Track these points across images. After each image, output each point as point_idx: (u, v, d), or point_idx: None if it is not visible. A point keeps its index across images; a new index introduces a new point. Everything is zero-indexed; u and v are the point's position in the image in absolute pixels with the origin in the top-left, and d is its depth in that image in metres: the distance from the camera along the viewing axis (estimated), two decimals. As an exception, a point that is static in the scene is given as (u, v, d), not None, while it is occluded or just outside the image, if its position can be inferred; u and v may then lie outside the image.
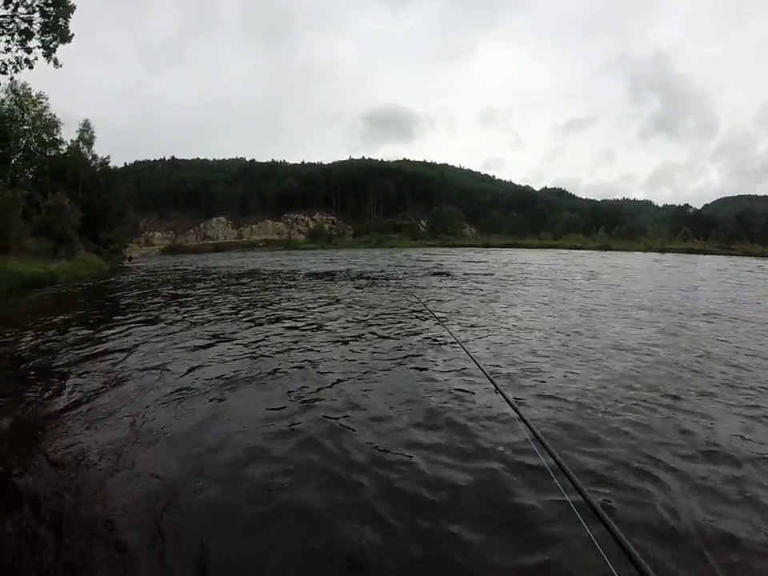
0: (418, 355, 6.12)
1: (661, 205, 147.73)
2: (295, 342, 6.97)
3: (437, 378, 5.20)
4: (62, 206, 28.18)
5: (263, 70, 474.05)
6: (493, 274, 18.37)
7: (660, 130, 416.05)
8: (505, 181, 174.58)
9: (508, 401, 2.51)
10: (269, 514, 2.73)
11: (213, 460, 3.37)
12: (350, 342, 6.93)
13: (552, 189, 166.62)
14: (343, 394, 4.70)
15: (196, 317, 9.62)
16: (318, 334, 7.55)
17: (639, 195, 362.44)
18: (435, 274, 19.09)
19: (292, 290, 14.56)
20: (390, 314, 9.39)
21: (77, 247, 29.28)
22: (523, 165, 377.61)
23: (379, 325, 8.21)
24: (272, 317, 9.30)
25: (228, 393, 4.78)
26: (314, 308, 10.36)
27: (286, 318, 9.04)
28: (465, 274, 18.40)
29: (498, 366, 5.53)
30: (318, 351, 6.39)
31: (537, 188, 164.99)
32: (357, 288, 14.49)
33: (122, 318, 9.88)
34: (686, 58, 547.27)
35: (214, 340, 7.28)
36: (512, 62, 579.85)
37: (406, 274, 19.22)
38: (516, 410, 2.35)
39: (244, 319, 9.09)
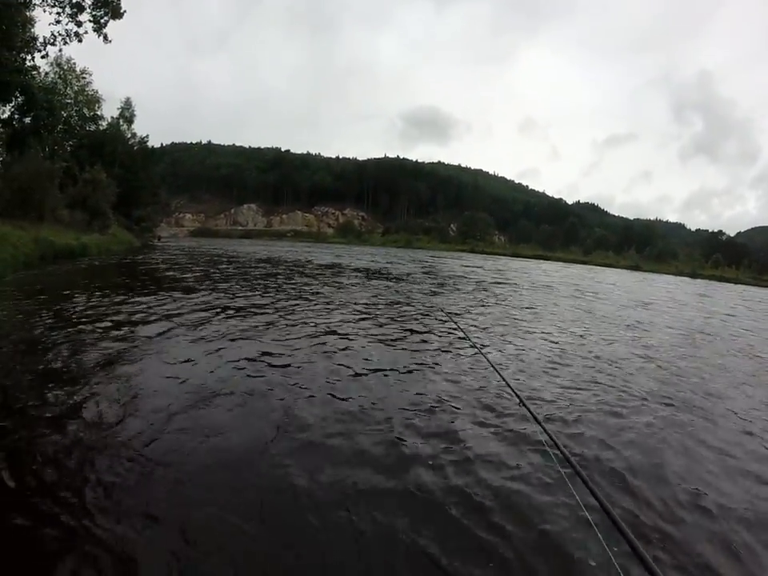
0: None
1: (693, 229, 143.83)
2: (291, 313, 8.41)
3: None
4: (99, 180, 28.59)
5: (305, 61, 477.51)
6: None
7: (700, 152, 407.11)
8: (538, 191, 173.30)
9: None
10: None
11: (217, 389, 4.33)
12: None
13: (585, 203, 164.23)
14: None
15: (216, 292, 10.67)
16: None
17: (673, 218, 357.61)
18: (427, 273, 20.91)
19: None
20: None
21: (110, 221, 29.69)
22: (558, 177, 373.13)
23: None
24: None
25: (227, 342, 6.05)
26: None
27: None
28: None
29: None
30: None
31: (570, 201, 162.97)
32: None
33: (152, 288, 10.79)
34: (731, 81, 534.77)
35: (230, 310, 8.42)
36: (555, 72, 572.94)
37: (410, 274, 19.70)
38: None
39: (253, 294, 10.76)
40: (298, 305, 9.27)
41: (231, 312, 8.05)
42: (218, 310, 8.14)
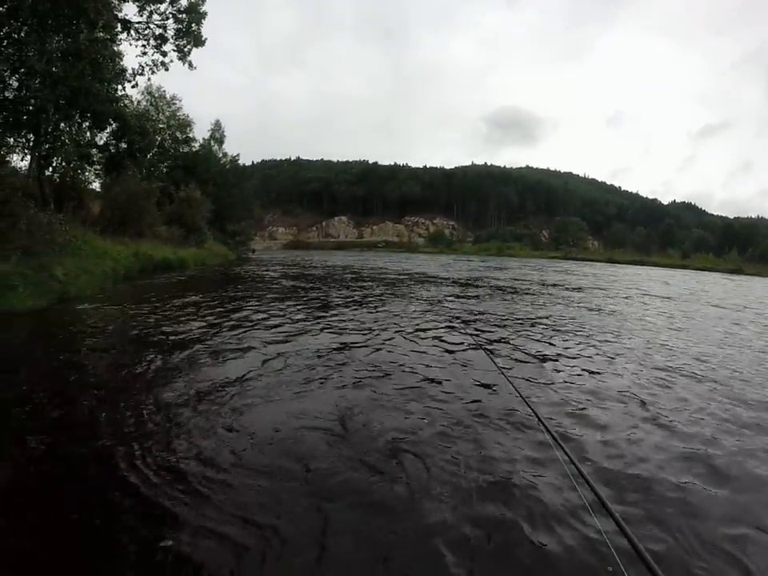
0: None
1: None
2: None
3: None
4: (194, 198, 30.32)
5: (380, 70, 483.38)
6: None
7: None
8: (631, 192, 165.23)
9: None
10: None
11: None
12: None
13: (681, 203, 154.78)
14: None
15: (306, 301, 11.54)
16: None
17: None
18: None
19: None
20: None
21: (205, 236, 31.51)
22: (652, 175, 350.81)
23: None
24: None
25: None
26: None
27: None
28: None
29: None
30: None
31: (665, 201, 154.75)
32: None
33: (247, 296, 12.13)
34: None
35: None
36: (639, 60, 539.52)
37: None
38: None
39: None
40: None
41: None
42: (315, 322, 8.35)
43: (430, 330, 7.93)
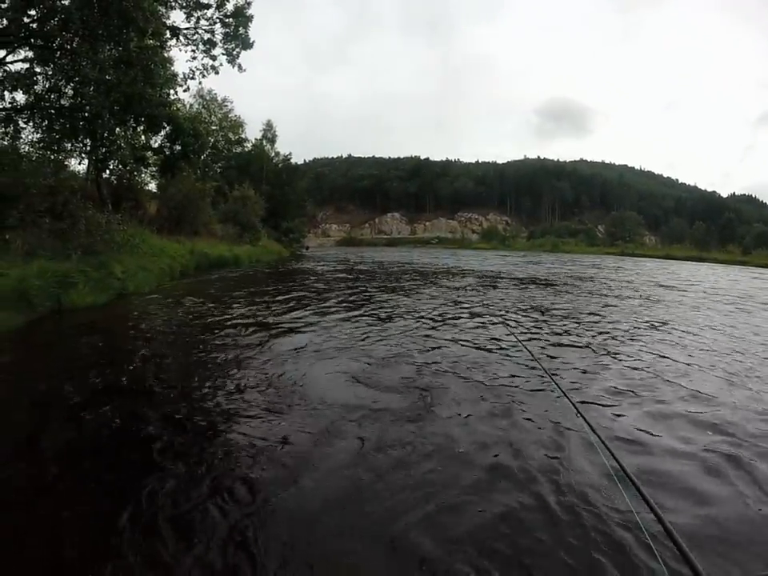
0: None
1: None
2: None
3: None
4: (248, 197, 31.15)
5: (428, 64, 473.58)
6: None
7: None
8: (689, 185, 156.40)
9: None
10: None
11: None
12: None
13: (741, 195, 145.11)
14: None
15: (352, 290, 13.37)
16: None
17: None
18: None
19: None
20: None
21: (260, 234, 32.21)
22: (710, 166, 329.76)
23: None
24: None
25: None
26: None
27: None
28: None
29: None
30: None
31: (724, 194, 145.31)
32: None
33: (301, 287, 13.41)
34: None
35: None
36: (693, 44, 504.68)
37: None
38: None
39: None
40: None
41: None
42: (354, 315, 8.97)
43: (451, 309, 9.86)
